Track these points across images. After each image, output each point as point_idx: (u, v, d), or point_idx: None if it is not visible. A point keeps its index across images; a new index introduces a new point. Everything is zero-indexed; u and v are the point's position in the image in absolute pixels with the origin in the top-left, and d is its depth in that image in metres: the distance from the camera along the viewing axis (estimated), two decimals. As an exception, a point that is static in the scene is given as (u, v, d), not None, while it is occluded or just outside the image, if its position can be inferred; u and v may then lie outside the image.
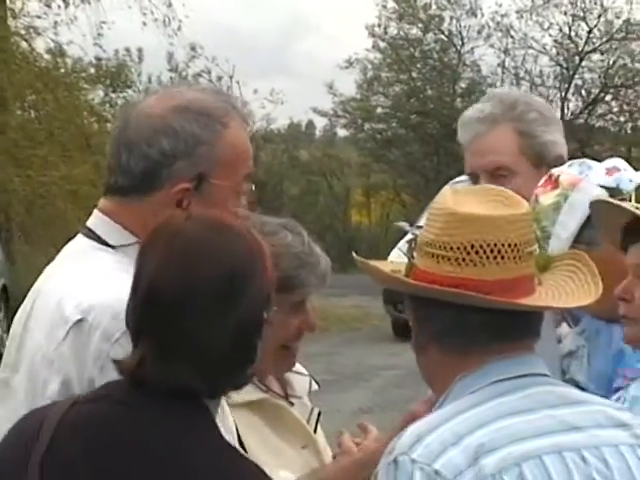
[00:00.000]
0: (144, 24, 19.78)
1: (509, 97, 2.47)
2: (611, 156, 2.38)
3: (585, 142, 22.91)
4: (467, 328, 1.53)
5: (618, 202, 1.94)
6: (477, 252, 1.49)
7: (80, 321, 1.65)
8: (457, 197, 1.55)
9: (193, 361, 1.48)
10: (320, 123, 29.33)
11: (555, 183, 2.16)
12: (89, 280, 1.70)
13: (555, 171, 2.18)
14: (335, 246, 17.80)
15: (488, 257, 1.49)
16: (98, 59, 20.20)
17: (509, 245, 1.49)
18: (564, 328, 2.23)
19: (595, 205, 2.00)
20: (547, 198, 2.14)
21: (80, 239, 1.82)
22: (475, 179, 2.35)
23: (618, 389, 2.01)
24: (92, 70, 20.32)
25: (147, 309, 1.49)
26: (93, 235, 1.79)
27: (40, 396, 1.66)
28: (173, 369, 1.47)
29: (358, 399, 9.86)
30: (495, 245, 1.48)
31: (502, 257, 1.49)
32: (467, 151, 2.40)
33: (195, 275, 1.48)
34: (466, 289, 1.48)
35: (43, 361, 1.68)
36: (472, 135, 2.38)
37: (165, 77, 23.40)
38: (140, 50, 22.96)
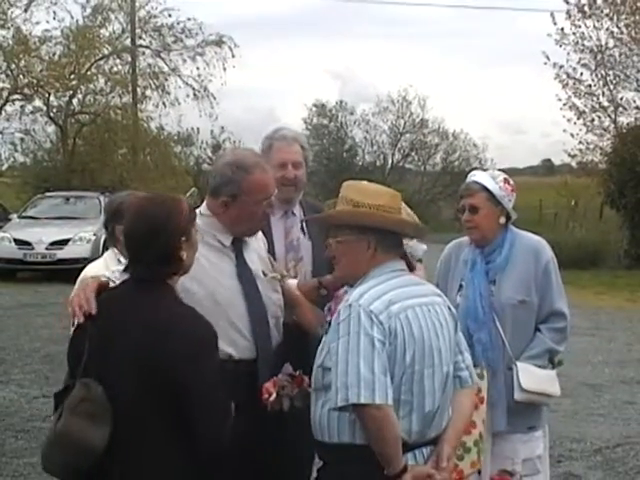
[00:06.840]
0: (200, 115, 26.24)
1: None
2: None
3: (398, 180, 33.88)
4: (386, 243, 2.38)
5: None
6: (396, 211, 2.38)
7: None
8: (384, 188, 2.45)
9: (152, 267, 2.34)
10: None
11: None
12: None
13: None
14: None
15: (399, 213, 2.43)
16: (178, 132, 28.19)
17: (402, 208, 2.48)
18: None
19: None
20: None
21: None
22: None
23: None
24: (175, 137, 28.16)
25: (129, 245, 2.44)
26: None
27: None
28: (146, 270, 2.34)
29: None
30: (400, 208, 2.45)
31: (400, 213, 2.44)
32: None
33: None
34: (391, 224, 2.36)
35: None
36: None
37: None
38: (197, 129, 31.07)
